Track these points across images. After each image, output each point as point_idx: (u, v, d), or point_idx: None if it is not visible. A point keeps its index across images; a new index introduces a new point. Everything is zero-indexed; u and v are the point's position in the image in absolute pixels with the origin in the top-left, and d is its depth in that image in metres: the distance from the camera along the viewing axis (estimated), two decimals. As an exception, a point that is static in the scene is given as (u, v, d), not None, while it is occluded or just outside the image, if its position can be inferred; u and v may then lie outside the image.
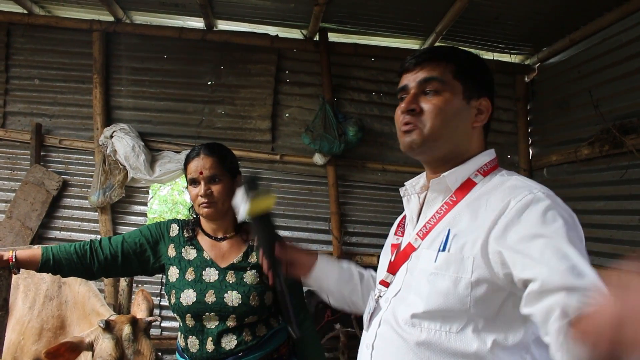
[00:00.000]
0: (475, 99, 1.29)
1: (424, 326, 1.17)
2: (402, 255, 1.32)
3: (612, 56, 3.80)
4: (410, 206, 1.40)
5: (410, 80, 1.29)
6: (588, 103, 3.97)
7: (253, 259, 2.06)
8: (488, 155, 1.32)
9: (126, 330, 2.11)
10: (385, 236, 1.53)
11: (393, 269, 1.34)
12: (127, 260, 2.06)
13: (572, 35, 4.23)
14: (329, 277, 1.58)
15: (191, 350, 2.00)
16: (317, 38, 4.83)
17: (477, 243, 1.13)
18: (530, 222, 1.06)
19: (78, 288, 2.81)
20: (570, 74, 4.32)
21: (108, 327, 2.11)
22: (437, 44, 4.72)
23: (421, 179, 1.41)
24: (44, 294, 2.83)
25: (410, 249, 1.30)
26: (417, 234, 1.30)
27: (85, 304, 2.73)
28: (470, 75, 1.29)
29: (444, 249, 1.19)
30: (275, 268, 1.22)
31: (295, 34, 4.88)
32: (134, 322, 2.16)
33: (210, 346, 1.98)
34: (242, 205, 1.30)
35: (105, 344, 2.08)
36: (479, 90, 1.30)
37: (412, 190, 1.41)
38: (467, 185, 1.26)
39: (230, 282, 2.00)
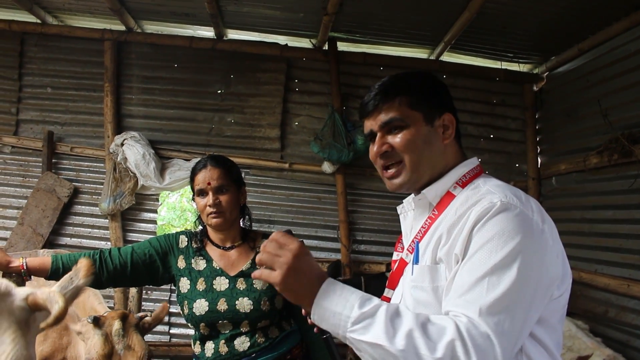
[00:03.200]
0: (437, 118, 1.32)
1: None
2: (397, 271, 1.37)
3: (620, 65, 3.81)
4: (406, 222, 1.45)
5: (374, 125, 1.34)
6: (596, 112, 3.96)
7: None
8: (467, 166, 1.33)
9: (115, 325, 2.06)
10: (394, 244, 1.55)
11: (392, 284, 1.39)
12: (136, 270, 2.09)
13: (581, 44, 4.24)
14: None
15: (207, 355, 2.03)
16: (326, 47, 4.86)
17: (446, 251, 1.17)
18: (478, 237, 1.10)
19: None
20: (578, 83, 4.32)
21: (97, 323, 2.06)
22: (445, 53, 4.74)
23: None
24: (48, 296, 2.85)
25: (403, 263, 1.35)
26: (407, 249, 1.35)
27: (85, 302, 2.75)
28: (425, 100, 1.32)
29: (416, 262, 1.25)
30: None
31: (305, 43, 4.91)
32: (124, 317, 2.11)
33: (223, 349, 2.00)
34: None
35: (94, 341, 2.04)
36: (439, 108, 1.33)
37: (408, 207, 1.45)
38: (446, 199, 1.29)
39: (241, 289, 2.02)
